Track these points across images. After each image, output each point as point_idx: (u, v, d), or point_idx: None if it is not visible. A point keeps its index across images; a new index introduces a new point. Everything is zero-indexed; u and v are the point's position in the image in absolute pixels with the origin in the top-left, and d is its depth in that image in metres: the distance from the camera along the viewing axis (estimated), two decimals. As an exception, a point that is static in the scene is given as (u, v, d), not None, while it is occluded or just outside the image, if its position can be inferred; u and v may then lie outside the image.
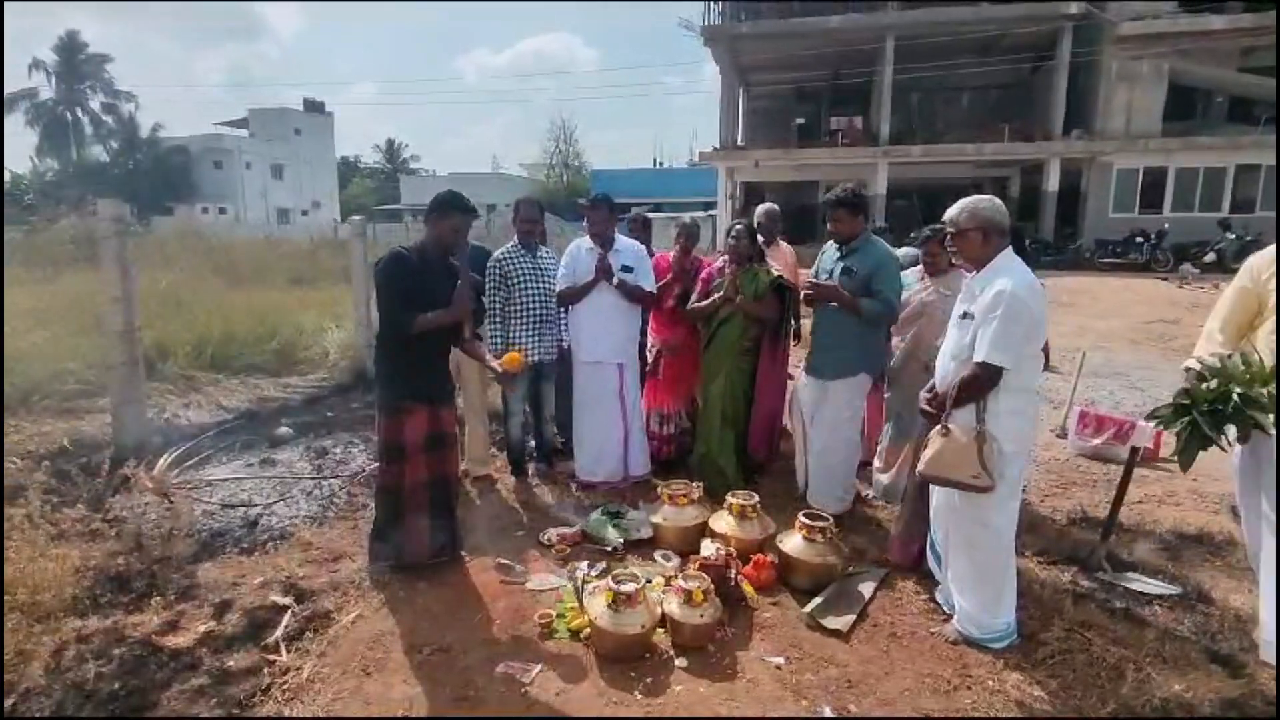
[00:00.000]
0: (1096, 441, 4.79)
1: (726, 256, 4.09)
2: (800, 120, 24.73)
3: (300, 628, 2.77)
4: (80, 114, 41.08)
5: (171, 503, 3.65)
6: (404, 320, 2.97)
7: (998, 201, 2.63)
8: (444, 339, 3.19)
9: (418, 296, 2.98)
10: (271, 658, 2.60)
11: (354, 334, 6.66)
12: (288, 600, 2.93)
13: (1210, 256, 15.34)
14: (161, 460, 3.97)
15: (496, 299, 4.09)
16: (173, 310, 6.98)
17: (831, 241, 3.74)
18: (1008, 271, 2.51)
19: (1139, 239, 16.33)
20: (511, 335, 4.12)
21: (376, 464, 3.35)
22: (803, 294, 3.77)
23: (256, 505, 3.86)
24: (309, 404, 5.86)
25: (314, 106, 48.51)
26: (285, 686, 2.44)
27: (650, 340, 4.49)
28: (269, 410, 5.58)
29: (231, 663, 2.55)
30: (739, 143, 22.89)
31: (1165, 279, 13.84)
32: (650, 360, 4.48)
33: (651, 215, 5.42)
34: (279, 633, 2.73)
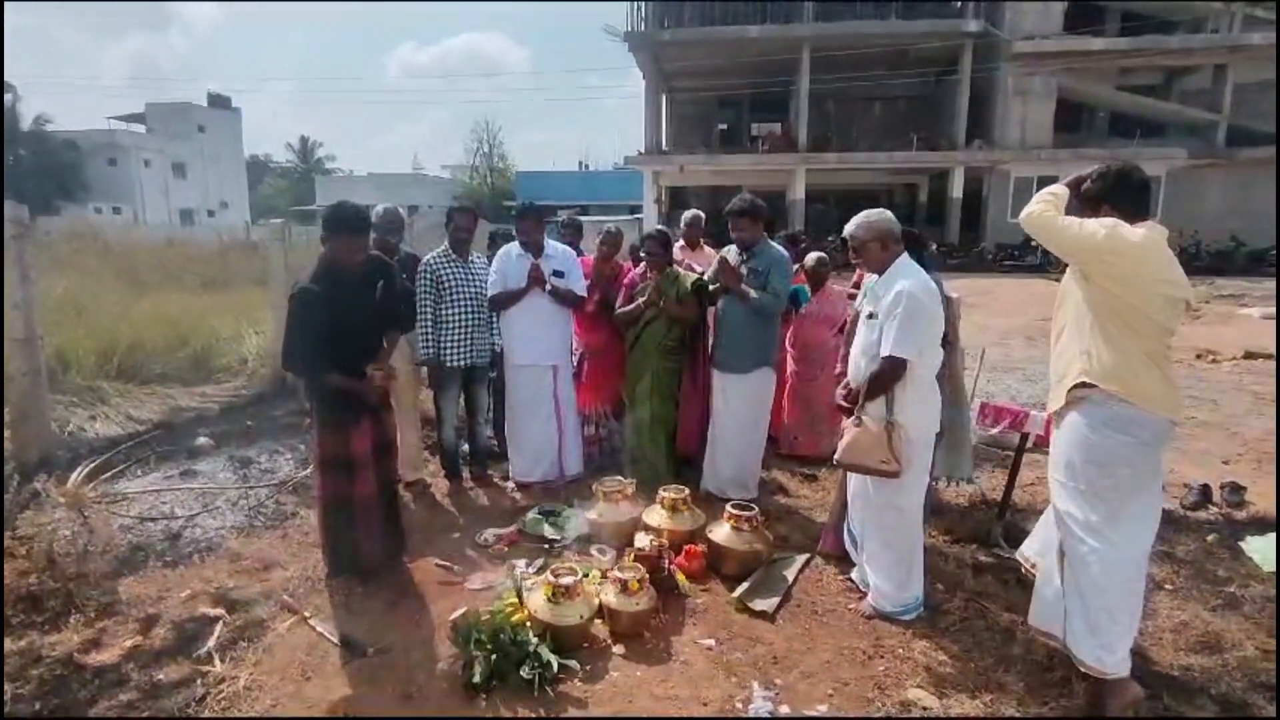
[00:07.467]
0: (995, 430, 5.17)
1: (645, 264, 4.25)
2: (723, 126, 25.34)
3: (234, 637, 2.74)
4: (-50, 105, 37.67)
5: (86, 518, 3.50)
6: (313, 369, 3.01)
7: (888, 213, 2.91)
8: (361, 356, 3.10)
9: (331, 332, 2.92)
10: (205, 668, 2.56)
11: (273, 340, 6.46)
12: (218, 611, 2.89)
13: (1095, 259, 16.65)
14: (75, 473, 3.79)
15: (427, 304, 4.10)
16: (73, 317, 6.56)
17: (733, 246, 4.01)
18: (905, 274, 2.77)
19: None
20: (443, 340, 4.13)
21: (312, 476, 3.26)
22: (708, 274, 4.06)
23: (178, 518, 3.75)
24: (227, 413, 5.65)
25: (219, 101, 45.94)
26: (221, 695, 2.43)
27: (574, 343, 4.59)
28: (185, 420, 5.35)
29: (162, 676, 2.51)
30: (664, 147, 23.24)
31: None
32: (575, 363, 4.58)
33: (580, 219, 5.53)
34: (211, 643, 2.69)
